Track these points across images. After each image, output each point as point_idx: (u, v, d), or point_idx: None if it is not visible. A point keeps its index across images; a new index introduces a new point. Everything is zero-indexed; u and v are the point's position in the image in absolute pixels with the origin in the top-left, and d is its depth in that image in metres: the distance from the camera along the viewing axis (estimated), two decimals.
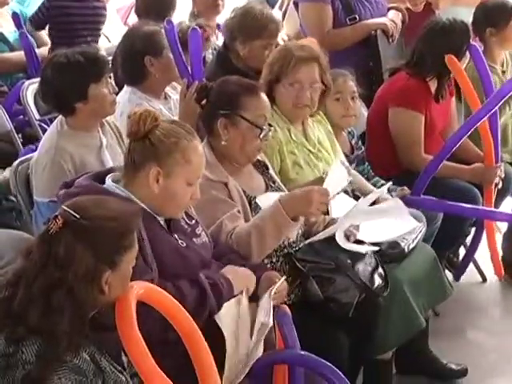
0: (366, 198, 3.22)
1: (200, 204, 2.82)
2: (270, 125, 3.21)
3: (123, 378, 2.17)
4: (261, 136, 3.12)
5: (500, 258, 4.48)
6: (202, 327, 2.32)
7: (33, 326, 2.01)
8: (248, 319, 2.65)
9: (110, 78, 3.47)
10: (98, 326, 2.14)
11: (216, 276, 2.61)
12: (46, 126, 4.28)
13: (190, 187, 2.62)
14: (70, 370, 2.00)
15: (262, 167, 3.32)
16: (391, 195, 3.77)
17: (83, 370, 2.03)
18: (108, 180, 2.65)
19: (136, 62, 3.92)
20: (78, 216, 2.08)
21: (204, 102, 3.22)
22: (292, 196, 2.99)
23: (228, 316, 2.58)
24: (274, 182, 3.31)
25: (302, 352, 2.68)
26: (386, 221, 3.44)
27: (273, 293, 2.65)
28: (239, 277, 2.68)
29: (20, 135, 4.60)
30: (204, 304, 2.52)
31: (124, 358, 2.23)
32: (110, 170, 2.77)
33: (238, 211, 3.02)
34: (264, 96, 3.20)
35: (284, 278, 2.78)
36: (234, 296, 2.66)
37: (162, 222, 2.64)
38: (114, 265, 2.11)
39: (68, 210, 2.09)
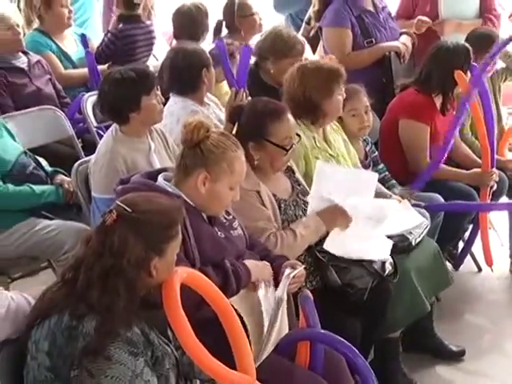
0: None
1: (238, 210, 2.83)
2: (298, 135, 3.20)
3: (169, 350, 2.18)
4: (288, 153, 3.10)
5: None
6: None
7: (92, 304, 2.02)
8: (266, 302, 2.63)
9: (158, 90, 3.47)
10: (147, 305, 2.15)
11: (237, 264, 2.59)
12: (102, 133, 4.28)
13: (231, 191, 2.62)
14: (124, 342, 2.01)
15: (289, 171, 3.29)
16: (394, 192, 3.80)
17: (135, 342, 2.03)
18: (160, 178, 2.66)
19: (194, 74, 3.93)
20: (130, 210, 2.09)
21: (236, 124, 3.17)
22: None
23: (244, 299, 2.58)
24: (299, 185, 3.29)
25: (323, 330, 2.67)
26: (397, 216, 3.44)
27: (291, 276, 2.64)
28: (257, 267, 2.66)
29: (80, 140, 4.61)
30: (226, 287, 2.50)
31: (169, 332, 2.23)
32: (161, 170, 2.77)
33: (270, 216, 3.01)
34: (289, 117, 3.12)
35: (303, 266, 2.76)
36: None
37: (205, 217, 2.64)
38: (161, 252, 2.12)
39: (121, 204, 2.11)
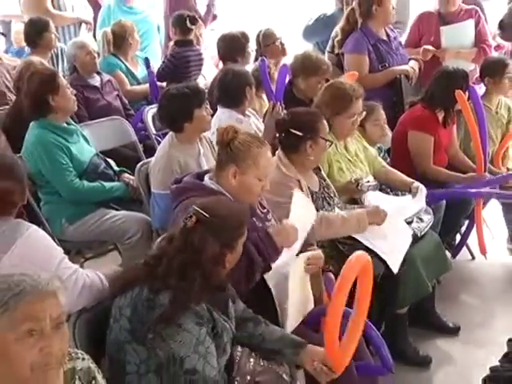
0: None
1: (279, 192, 2.83)
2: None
3: (227, 326, 2.15)
4: (329, 147, 3.14)
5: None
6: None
7: (170, 286, 2.00)
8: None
9: (207, 103, 3.45)
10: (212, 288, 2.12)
11: (262, 245, 2.44)
12: (159, 139, 4.28)
13: (260, 182, 2.59)
14: (192, 314, 2.00)
15: (316, 169, 3.27)
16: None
17: (201, 314, 2.03)
18: (206, 178, 2.64)
19: (240, 91, 3.93)
20: (207, 215, 2.06)
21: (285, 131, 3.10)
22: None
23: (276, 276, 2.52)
24: (324, 180, 3.27)
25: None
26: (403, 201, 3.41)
27: (305, 255, 2.58)
28: (281, 236, 2.49)
29: (141, 145, 4.61)
30: (253, 269, 2.41)
31: (230, 310, 2.21)
32: (207, 171, 2.76)
33: None
34: None
35: (319, 250, 2.69)
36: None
37: None
38: (233, 249, 2.12)
39: (200, 210, 2.08)
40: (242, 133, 2.62)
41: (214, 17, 6.65)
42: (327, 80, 4.03)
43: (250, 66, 4.96)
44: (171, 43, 5.56)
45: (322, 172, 3.31)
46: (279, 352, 2.30)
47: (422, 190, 3.54)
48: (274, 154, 3.17)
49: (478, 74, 4.74)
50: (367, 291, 2.23)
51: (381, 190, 3.61)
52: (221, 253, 2.06)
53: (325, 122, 3.12)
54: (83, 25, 6.21)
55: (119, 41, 5.29)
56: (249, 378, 2.25)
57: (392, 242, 3.10)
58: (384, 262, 3.06)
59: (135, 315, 2.00)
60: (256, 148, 2.57)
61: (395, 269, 3.02)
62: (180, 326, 1.96)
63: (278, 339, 2.32)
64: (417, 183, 3.60)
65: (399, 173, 3.77)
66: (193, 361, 1.96)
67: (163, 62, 5.41)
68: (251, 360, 2.29)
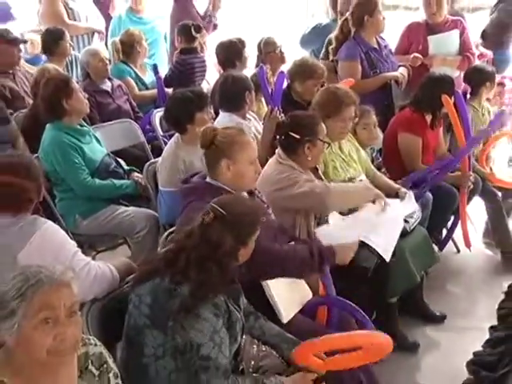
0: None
1: (283, 180, 2.88)
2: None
3: (239, 316, 2.14)
4: (326, 148, 3.11)
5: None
6: None
7: (190, 278, 1.99)
8: None
9: (210, 107, 3.44)
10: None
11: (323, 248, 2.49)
12: (166, 140, 4.27)
13: (252, 165, 2.58)
14: (211, 305, 1.99)
15: (314, 168, 3.26)
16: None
17: (219, 306, 2.01)
18: (208, 177, 2.63)
19: (240, 96, 3.88)
20: (224, 212, 2.04)
21: (284, 134, 3.09)
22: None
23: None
24: (321, 179, 3.25)
25: (337, 297, 2.66)
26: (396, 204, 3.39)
27: None
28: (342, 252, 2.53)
29: (149, 145, 4.60)
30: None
31: (241, 302, 2.20)
32: None
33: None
34: None
35: None
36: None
37: None
38: (246, 244, 2.10)
39: (216, 207, 2.06)
40: (220, 129, 2.63)
41: (215, 26, 6.63)
42: (323, 85, 4.02)
43: (250, 71, 4.94)
44: (176, 51, 5.54)
45: (319, 171, 3.30)
46: (276, 346, 2.31)
47: (410, 195, 3.54)
48: (273, 155, 3.17)
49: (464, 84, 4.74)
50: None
51: None
52: (236, 248, 2.05)
53: (323, 124, 3.10)
54: (96, 34, 6.20)
55: (128, 49, 5.27)
56: (253, 362, 2.26)
57: (384, 234, 3.08)
58: (376, 255, 3.04)
59: (156, 303, 2.00)
60: (237, 135, 2.58)
61: (387, 257, 3.00)
62: (199, 316, 1.95)
63: (276, 334, 2.33)
64: (404, 189, 3.59)
65: (387, 178, 3.76)
66: (208, 348, 1.96)
67: (170, 68, 5.39)
68: (254, 346, 2.30)
